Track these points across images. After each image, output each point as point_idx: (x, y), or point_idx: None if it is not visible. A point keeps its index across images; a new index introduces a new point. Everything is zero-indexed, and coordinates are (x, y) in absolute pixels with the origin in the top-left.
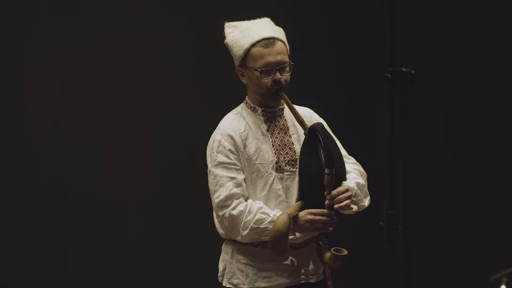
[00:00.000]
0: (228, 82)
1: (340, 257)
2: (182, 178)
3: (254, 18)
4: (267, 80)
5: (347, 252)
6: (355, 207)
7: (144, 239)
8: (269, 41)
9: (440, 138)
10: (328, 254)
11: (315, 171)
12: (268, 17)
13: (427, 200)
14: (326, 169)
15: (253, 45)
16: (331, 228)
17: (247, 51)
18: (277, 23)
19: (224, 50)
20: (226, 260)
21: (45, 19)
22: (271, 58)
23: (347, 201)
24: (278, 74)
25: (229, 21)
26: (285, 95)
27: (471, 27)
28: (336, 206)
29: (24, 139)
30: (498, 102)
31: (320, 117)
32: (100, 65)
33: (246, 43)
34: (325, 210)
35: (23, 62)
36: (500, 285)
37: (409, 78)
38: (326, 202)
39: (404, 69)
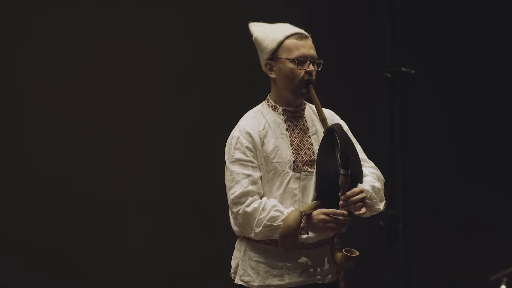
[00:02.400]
0: (228, 82)
1: (351, 258)
2: (182, 178)
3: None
4: (301, 71)
5: (358, 253)
6: (363, 210)
7: (144, 239)
8: (302, 35)
9: (440, 138)
10: (339, 255)
11: (331, 172)
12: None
13: (427, 200)
14: (341, 170)
15: (287, 37)
16: (343, 229)
17: (281, 43)
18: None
19: (224, 50)
20: (239, 258)
21: (45, 19)
22: (305, 50)
23: (360, 203)
24: (311, 66)
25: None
26: (313, 90)
27: (471, 27)
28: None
29: (24, 139)
30: (497, 101)
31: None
32: (100, 65)
33: (279, 35)
34: (338, 211)
35: (23, 62)
36: (500, 285)
37: (409, 78)
38: (340, 202)
39: (404, 69)
